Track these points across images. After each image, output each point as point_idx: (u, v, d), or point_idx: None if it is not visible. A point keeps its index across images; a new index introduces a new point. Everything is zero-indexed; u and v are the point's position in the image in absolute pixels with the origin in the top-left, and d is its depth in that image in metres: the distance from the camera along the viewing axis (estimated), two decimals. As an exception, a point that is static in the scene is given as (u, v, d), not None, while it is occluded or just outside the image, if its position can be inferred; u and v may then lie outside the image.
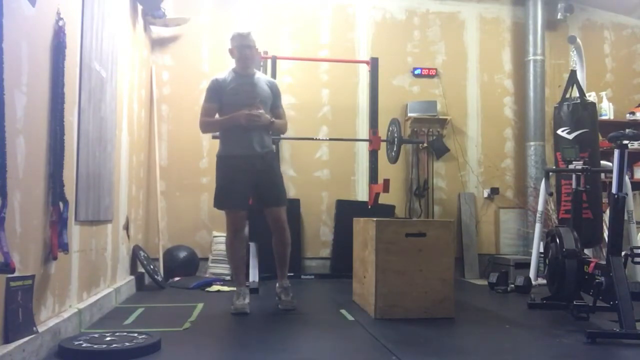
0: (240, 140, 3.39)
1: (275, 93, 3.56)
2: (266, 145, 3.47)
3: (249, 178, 3.39)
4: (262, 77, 3.60)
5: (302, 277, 5.08)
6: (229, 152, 3.44)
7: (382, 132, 4.86)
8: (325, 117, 5.49)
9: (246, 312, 3.31)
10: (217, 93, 3.46)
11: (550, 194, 4.53)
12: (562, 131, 4.40)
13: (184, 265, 4.91)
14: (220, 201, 3.44)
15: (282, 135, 4.35)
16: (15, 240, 2.01)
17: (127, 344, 2.34)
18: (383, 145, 4.82)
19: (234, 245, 3.46)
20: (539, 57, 5.61)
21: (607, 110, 5.67)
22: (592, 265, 3.21)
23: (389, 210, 5.27)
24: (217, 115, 3.50)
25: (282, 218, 3.48)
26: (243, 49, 3.46)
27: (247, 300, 3.39)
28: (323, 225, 5.41)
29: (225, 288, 4.37)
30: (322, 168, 5.48)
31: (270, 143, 3.55)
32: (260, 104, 3.40)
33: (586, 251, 3.95)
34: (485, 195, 5.68)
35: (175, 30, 5.31)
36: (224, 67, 5.42)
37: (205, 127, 3.54)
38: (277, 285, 3.58)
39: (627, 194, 3.26)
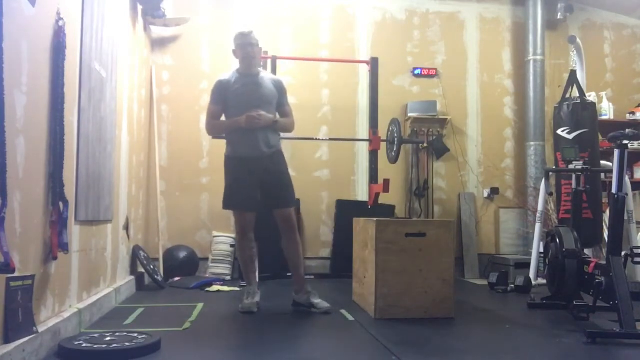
0: (247, 141, 3.38)
1: (280, 91, 3.53)
2: (272, 145, 3.45)
3: (256, 179, 3.40)
4: (266, 76, 3.58)
5: (302, 277, 5.08)
6: (235, 153, 3.44)
7: (382, 132, 4.86)
8: (325, 117, 5.49)
9: (253, 311, 3.33)
10: (221, 95, 3.45)
11: (550, 194, 4.53)
12: (562, 131, 4.40)
13: (184, 265, 4.91)
14: (227, 202, 3.47)
15: (282, 135, 4.35)
16: (15, 240, 2.01)
17: (127, 344, 2.34)
18: (383, 145, 4.82)
19: (241, 245, 3.50)
20: (539, 57, 5.61)
21: (607, 110, 5.67)
22: (592, 265, 3.21)
23: (389, 210, 5.27)
24: (223, 117, 3.50)
25: (291, 218, 3.47)
26: (245, 47, 3.44)
27: (256, 299, 3.41)
28: (323, 225, 5.42)
29: (226, 288, 4.37)
30: (322, 168, 5.48)
31: (278, 143, 3.52)
32: (259, 108, 3.37)
33: (586, 251, 3.95)
34: (485, 195, 5.68)
35: (175, 30, 5.31)
36: (224, 67, 5.49)
37: (212, 129, 3.56)
38: (298, 293, 3.44)
39: (627, 194, 3.26)
